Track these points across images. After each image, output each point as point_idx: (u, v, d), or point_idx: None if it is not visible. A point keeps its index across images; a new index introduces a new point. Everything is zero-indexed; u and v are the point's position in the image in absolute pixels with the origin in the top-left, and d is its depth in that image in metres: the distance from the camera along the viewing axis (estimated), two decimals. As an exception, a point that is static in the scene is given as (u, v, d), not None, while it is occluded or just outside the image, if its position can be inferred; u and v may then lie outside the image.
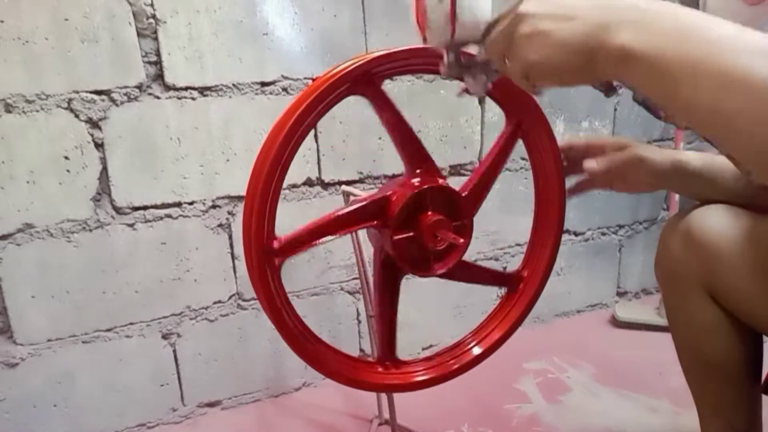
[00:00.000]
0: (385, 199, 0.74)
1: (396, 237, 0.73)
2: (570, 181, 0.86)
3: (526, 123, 0.82)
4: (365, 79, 0.70)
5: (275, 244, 0.70)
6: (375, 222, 0.75)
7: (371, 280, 1.09)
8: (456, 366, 0.85)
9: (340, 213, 0.73)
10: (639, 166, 0.77)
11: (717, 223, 0.71)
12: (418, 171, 0.76)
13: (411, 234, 0.74)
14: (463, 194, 0.78)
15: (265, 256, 0.70)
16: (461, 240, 0.74)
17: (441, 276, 0.78)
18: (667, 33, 0.43)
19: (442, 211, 0.74)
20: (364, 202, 0.74)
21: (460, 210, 0.76)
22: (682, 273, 0.74)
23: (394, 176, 1.39)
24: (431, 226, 0.73)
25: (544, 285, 0.88)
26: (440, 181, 0.76)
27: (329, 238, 0.73)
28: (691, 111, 0.43)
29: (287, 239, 0.71)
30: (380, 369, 0.82)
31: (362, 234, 0.93)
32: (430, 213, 0.74)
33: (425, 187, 0.73)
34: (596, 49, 0.47)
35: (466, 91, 0.63)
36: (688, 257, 0.73)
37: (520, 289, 0.89)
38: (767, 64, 0.38)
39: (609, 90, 0.65)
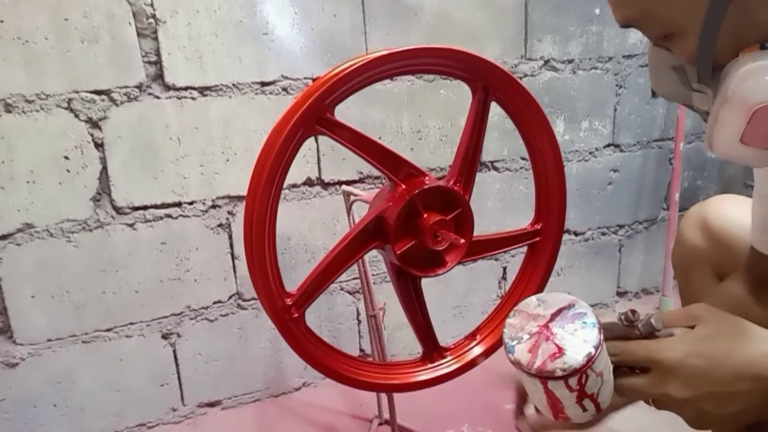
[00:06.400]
0: (379, 219, 0.75)
1: (399, 250, 0.74)
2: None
3: (495, 89, 0.78)
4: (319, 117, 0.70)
5: (288, 300, 0.72)
6: (376, 243, 0.76)
7: (371, 279, 1.10)
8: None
9: (339, 248, 0.74)
10: None
11: (732, 211, 0.72)
12: (400, 177, 0.75)
13: (413, 242, 0.74)
14: (450, 183, 0.77)
15: (285, 315, 0.72)
16: (462, 240, 0.73)
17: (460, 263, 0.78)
18: None
19: (437, 208, 0.74)
20: (357, 231, 0.75)
21: (454, 199, 0.76)
22: (697, 260, 0.75)
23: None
24: (431, 228, 0.73)
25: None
26: (425, 180, 0.75)
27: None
28: None
29: (300, 291, 0.73)
30: (429, 364, 0.86)
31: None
32: (426, 215, 0.73)
33: (415, 193, 0.73)
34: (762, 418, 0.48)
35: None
36: (704, 244, 0.74)
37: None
38: None
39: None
